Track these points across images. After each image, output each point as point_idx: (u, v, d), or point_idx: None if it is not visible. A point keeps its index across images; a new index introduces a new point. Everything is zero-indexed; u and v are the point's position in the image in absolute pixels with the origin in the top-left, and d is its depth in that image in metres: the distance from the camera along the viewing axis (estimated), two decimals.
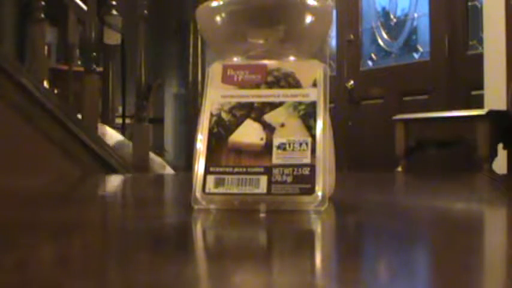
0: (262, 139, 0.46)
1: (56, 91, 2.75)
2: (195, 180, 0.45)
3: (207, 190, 0.44)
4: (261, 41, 0.51)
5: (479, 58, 2.87)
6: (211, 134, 0.47)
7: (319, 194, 0.43)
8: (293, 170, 0.44)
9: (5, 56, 2.07)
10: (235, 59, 0.51)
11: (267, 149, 0.45)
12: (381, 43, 3.65)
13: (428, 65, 3.30)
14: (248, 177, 0.44)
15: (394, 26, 3.57)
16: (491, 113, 2.27)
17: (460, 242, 0.34)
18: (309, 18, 0.52)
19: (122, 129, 2.67)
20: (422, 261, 0.30)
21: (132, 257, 0.30)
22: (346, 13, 3.76)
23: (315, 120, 0.46)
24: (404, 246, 0.33)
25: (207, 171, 0.45)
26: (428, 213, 0.49)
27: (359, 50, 3.76)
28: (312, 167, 0.44)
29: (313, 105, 0.47)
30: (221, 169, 0.45)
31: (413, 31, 3.46)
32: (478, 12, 2.99)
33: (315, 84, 0.47)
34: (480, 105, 2.72)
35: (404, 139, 2.54)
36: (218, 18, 0.52)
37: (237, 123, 0.47)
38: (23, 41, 2.69)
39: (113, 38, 2.81)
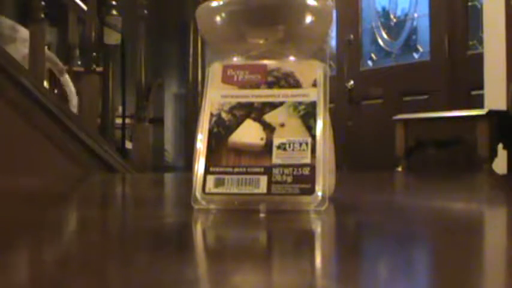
0: (262, 139, 0.46)
1: (56, 91, 2.75)
2: (195, 180, 0.45)
3: (207, 190, 0.44)
4: (261, 41, 0.51)
5: (479, 58, 2.87)
6: (211, 134, 0.47)
7: (319, 194, 0.43)
8: (293, 170, 0.44)
9: (5, 55, 2.07)
10: (235, 59, 0.51)
11: (267, 149, 0.45)
12: (381, 43, 3.65)
13: (428, 65, 3.30)
14: (248, 177, 0.44)
15: (394, 26, 3.57)
16: (491, 113, 2.27)
17: (460, 241, 0.34)
18: (309, 18, 0.52)
19: (122, 129, 2.66)
20: (422, 261, 0.30)
21: (132, 257, 0.30)
22: (346, 13, 3.76)
23: (315, 120, 0.46)
24: (404, 246, 0.33)
25: (207, 171, 0.45)
26: (428, 213, 0.49)
27: (359, 50, 3.76)
28: (312, 167, 0.44)
29: (313, 105, 0.47)
30: (221, 169, 0.45)
31: (413, 31, 3.46)
32: (478, 12, 2.99)
33: (315, 84, 0.47)
34: (480, 105, 2.72)
35: (404, 139, 2.54)
36: (218, 18, 0.52)
37: (237, 123, 0.47)
38: None
39: (113, 38, 2.81)
